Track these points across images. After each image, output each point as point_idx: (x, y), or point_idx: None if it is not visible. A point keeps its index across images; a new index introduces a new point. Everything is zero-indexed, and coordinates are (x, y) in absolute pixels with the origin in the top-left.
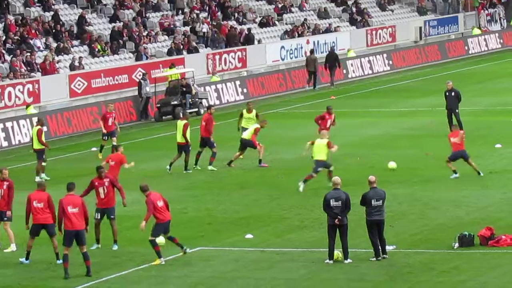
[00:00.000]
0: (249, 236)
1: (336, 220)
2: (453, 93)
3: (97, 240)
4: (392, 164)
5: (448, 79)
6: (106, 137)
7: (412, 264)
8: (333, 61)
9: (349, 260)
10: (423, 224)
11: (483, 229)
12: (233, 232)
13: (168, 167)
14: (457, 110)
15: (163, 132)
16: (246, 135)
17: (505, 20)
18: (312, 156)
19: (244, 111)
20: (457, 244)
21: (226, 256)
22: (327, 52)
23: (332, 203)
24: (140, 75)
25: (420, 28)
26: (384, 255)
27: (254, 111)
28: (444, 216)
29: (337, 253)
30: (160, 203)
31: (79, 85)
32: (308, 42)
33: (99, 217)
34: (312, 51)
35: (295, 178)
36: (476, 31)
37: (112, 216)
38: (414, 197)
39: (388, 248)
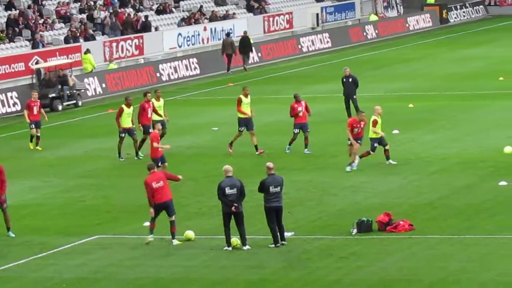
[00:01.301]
0: (147, 223)
1: (233, 207)
2: (350, 79)
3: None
4: (508, 149)
5: (346, 65)
6: (33, 126)
7: (311, 250)
8: (246, 45)
9: (247, 247)
10: (321, 210)
11: (381, 214)
12: (131, 220)
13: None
14: (354, 96)
15: (60, 120)
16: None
17: (401, 6)
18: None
19: (154, 100)
20: (355, 230)
21: (125, 244)
22: (241, 37)
23: (228, 190)
24: (36, 63)
25: (317, 14)
26: (283, 242)
27: (162, 100)
28: (342, 202)
29: (235, 240)
30: (157, 184)
31: None
32: (205, 29)
33: None
34: (228, 34)
35: (191, 166)
36: (373, 17)
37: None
38: (312, 184)
39: (287, 234)
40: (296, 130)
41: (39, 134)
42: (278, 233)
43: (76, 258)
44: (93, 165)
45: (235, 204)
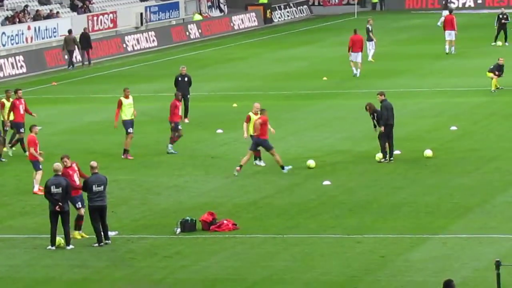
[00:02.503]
0: None
1: (57, 207)
2: (186, 78)
3: None
4: (428, 152)
5: (171, 64)
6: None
7: (135, 249)
8: (86, 41)
9: (71, 246)
10: (145, 209)
11: (205, 214)
12: None
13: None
14: (188, 96)
15: None
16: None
17: (225, 6)
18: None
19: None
20: (179, 229)
21: None
22: (81, 33)
23: (53, 189)
24: None
25: (141, 14)
26: (107, 241)
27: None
28: (166, 201)
29: (59, 239)
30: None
31: None
32: (29, 28)
33: None
34: (70, 31)
35: (16, 165)
36: (197, 16)
37: None
38: (136, 183)
39: (111, 233)
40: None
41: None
42: (102, 233)
43: None
44: None
45: (60, 203)
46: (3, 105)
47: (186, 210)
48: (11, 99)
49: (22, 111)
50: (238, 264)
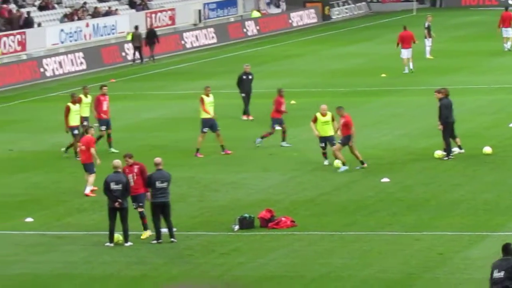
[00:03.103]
0: (29, 219)
1: (116, 203)
2: (250, 76)
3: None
4: (487, 149)
5: (227, 61)
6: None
7: (192, 246)
8: (152, 37)
9: (129, 243)
10: (203, 206)
11: (263, 211)
12: (12, 215)
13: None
14: (250, 94)
15: None
16: None
17: (284, 3)
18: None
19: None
20: (237, 226)
21: (6, 240)
22: (147, 30)
23: (113, 186)
24: None
25: (200, 10)
26: (172, 239)
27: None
28: (224, 198)
29: (118, 235)
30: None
31: None
32: (87, 25)
33: None
34: (136, 27)
35: (73, 162)
36: (256, 13)
37: None
38: (194, 180)
39: (165, 230)
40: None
41: None
42: (160, 229)
43: None
44: None
45: (119, 200)
46: (80, 100)
47: (244, 207)
48: (89, 96)
49: (105, 108)
50: (295, 261)
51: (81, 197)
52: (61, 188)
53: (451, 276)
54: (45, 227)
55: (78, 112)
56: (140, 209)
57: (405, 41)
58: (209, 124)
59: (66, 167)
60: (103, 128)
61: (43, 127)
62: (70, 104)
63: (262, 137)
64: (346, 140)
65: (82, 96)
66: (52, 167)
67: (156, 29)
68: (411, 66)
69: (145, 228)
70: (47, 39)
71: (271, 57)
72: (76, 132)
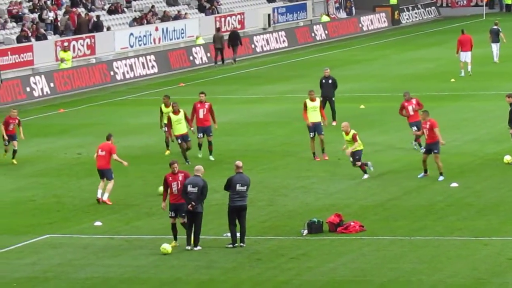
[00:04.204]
0: (98, 223)
1: (190, 206)
2: (330, 81)
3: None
4: (507, 158)
5: (296, 66)
6: (7, 142)
7: (261, 250)
8: (235, 39)
9: (198, 248)
10: (272, 210)
11: (332, 215)
12: (81, 219)
13: None
14: (333, 98)
15: None
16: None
17: (353, 7)
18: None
19: (163, 106)
20: (306, 231)
21: (75, 244)
22: (230, 32)
23: (189, 188)
24: None
25: (269, 15)
26: (242, 244)
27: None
28: (293, 202)
29: (166, 247)
30: (174, 185)
31: None
32: (157, 29)
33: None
34: (218, 29)
35: (141, 166)
36: (325, 18)
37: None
38: (263, 184)
39: (227, 235)
40: (415, 128)
41: (16, 148)
42: (236, 234)
43: (27, 257)
44: (43, 164)
45: (193, 203)
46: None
47: (313, 211)
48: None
49: (202, 115)
50: (364, 266)
51: (150, 201)
52: (130, 192)
53: None
54: (114, 231)
55: (180, 122)
56: (182, 220)
57: (464, 44)
58: (314, 128)
59: (136, 171)
60: (200, 135)
61: (112, 131)
62: (170, 114)
63: (416, 141)
64: (434, 146)
65: (162, 105)
66: (121, 171)
67: (238, 31)
68: (469, 69)
69: (175, 238)
70: (116, 43)
71: (340, 62)
72: (179, 141)
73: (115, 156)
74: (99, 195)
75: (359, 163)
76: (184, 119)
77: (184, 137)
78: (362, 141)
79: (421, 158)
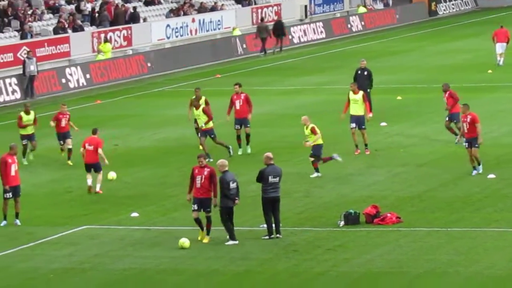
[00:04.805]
0: (134, 214)
1: (236, 201)
2: (365, 72)
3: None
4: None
5: (334, 57)
6: (62, 142)
7: (297, 242)
8: (280, 29)
9: (235, 242)
10: (308, 202)
11: (369, 207)
12: (118, 210)
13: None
14: (368, 90)
15: (46, 111)
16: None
17: None
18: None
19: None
20: (342, 222)
21: (112, 235)
22: (275, 22)
23: (231, 185)
24: (25, 54)
25: (306, 6)
26: (278, 235)
27: (203, 98)
28: (329, 194)
29: (182, 241)
30: (198, 179)
31: None
32: (193, 20)
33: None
34: (262, 19)
35: (178, 157)
36: (362, 9)
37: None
38: (299, 175)
39: (263, 226)
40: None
41: (70, 146)
42: (273, 225)
43: (64, 248)
44: (80, 156)
45: (236, 198)
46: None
47: (349, 203)
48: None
49: (238, 106)
50: (401, 257)
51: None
52: (167, 183)
53: None
54: (151, 222)
55: (199, 117)
56: (208, 214)
57: (499, 37)
58: (355, 120)
59: (173, 162)
60: (238, 127)
61: (149, 123)
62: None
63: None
64: (475, 140)
65: (193, 98)
66: (158, 162)
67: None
68: (501, 62)
69: (208, 233)
70: (153, 34)
71: (377, 53)
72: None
73: (100, 151)
74: (89, 183)
75: (312, 159)
76: (203, 113)
77: (204, 132)
78: (321, 133)
79: (466, 154)
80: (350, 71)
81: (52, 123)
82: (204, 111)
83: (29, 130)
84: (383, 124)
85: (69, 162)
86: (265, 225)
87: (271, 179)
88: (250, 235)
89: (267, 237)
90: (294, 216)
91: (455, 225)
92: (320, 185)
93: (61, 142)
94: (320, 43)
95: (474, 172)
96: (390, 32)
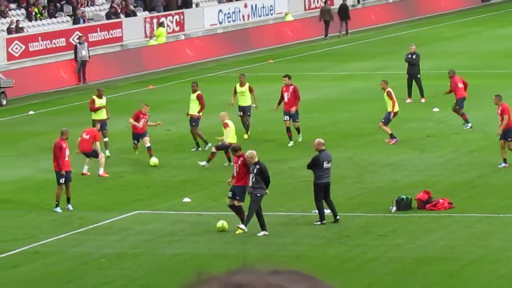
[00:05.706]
0: (186, 199)
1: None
2: (414, 56)
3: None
4: (153, 160)
5: (387, 42)
6: (137, 141)
7: (349, 227)
8: (344, 12)
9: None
10: (360, 187)
11: (421, 192)
12: (170, 195)
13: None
14: (418, 76)
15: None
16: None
17: None
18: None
19: (237, 85)
20: (394, 208)
21: (164, 220)
22: (339, 5)
23: (325, 165)
24: (77, 39)
25: None
26: (337, 217)
27: (247, 85)
28: (381, 179)
29: (222, 223)
30: (235, 168)
31: (16, 48)
32: (246, 5)
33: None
34: (326, 2)
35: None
36: None
37: None
38: (351, 161)
39: (315, 212)
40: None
41: (148, 144)
42: (324, 210)
43: (116, 233)
44: (131, 141)
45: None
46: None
47: (402, 188)
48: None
49: (286, 99)
50: (453, 243)
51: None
52: (218, 169)
53: None
54: (202, 207)
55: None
56: (239, 203)
57: None
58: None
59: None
60: (286, 118)
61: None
62: (236, 85)
63: None
64: (508, 133)
65: (237, 85)
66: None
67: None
68: None
69: (243, 221)
70: (205, 20)
71: (429, 39)
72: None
73: (97, 144)
74: (84, 170)
75: (214, 149)
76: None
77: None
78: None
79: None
80: (402, 57)
81: (133, 121)
82: (198, 97)
83: (102, 115)
84: (436, 109)
85: (155, 161)
86: (317, 211)
87: (325, 164)
88: (302, 220)
89: (319, 222)
90: (346, 201)
91: (507, 211)
92: (372, 171)
93: (135, 141)
94: (372, 28)
95: (503, 164)
96: (443, 17)
